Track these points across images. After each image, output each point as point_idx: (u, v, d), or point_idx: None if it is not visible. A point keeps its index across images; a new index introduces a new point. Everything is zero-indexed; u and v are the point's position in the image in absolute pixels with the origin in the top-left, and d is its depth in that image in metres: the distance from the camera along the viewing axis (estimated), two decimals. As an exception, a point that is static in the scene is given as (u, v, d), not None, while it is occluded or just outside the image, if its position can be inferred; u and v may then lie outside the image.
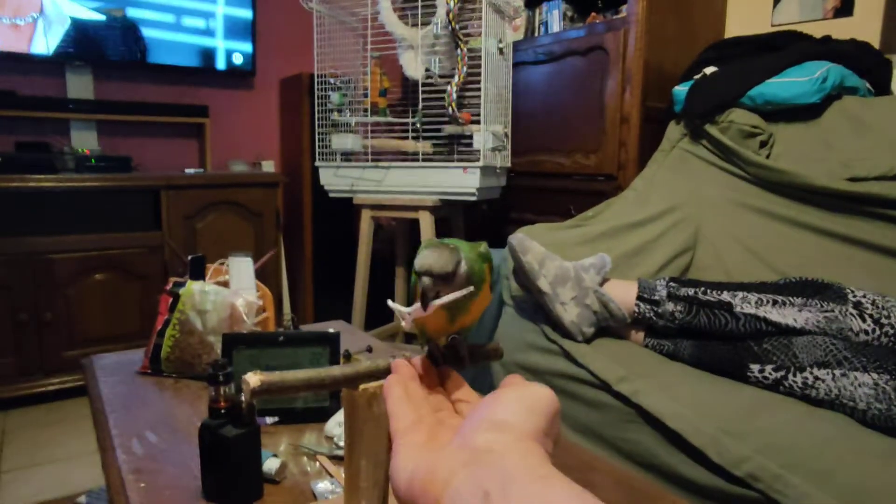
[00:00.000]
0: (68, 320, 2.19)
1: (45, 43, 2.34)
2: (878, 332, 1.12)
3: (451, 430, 0.38)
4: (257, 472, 0.73)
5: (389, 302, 0.49)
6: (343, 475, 0.76)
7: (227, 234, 2.52)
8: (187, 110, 2.70)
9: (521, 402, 0.34)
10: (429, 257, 0.47)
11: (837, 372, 1.05)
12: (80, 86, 2.52)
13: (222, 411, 0.71)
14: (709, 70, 1.85)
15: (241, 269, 1.20)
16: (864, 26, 2.01)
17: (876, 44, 1.92)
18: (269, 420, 0.93)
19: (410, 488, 0.33)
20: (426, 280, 0.46)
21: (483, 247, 0.52)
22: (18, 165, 2.12)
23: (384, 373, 0.57)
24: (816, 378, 1.06)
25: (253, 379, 0.49)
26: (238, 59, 2.79)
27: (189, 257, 1.20)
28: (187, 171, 2.54)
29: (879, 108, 1.61)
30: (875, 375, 1.01)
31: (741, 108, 1.75)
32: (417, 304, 0.47)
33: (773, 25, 2.24)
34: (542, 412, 0.33)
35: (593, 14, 2.41)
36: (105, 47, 2.47)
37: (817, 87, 1.64)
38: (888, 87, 1.84)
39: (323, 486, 0.74)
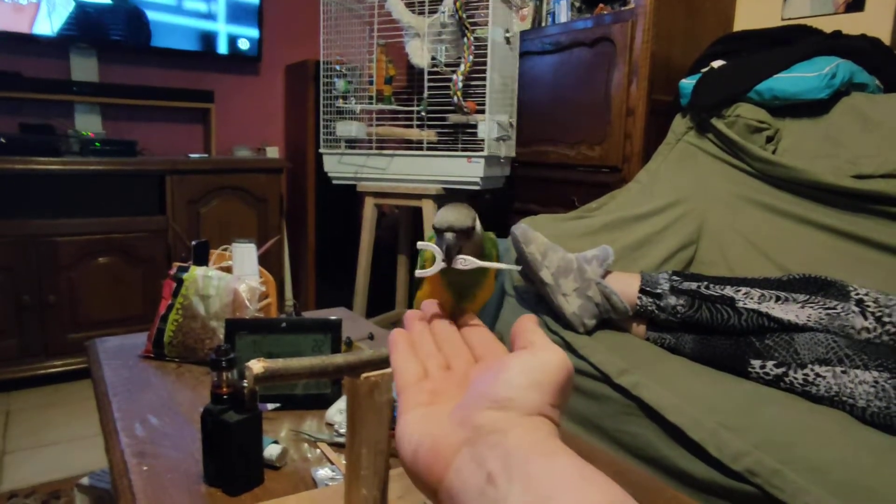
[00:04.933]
0: (71, 303, 2.20)
1: (48, 24, 2.33)
2: (879, 330, 1.12)
3: (460, 385, 0.37)
4: (258, 457, 0.73)
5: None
6: (343, 462, 0.76)
7: (231, 219, 2.52)
8: (192, 95, 2.69)
9: (528, 375, 0.32)
10: (449, 214, 0.48)
11: (838, 369, 1.05)
12: (84, 68, 2.52)
13: (224, 397, 0.72)
14: (716, 64, 1.84)
15: (245, 254, 1.20)
16: (876, 22, 1.99)
17: (887, 39, 1.90)
18: (270, 406, 0.94)
19: (415, 461, 0.32)
20: (449, 235, 0.47)
21: (492, 235, 0.52)
22: (22, 147, 2.12)
23: (385, 362, 0.57)
24: (817, 375, 1.07)
25: (256, 366, 0.49)
26: (244, 45, 2.78)
27: (193, 242, 1.21)
28: (192, 156, 2.54)
29: (888, 105, 1.60)
30: (875, 373, 1.01)
31: (748, 102, 1.74)
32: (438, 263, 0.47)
33: (783, 19, 2.22)
34: (551, 384, 0.32)
35: (601, 5, 2.39)
36: (110, 30, 2.46)
37: (826, 82, 1.63)
38: (898, 84, 1.82)
39: (323, 472, 0.74)
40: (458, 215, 0.47)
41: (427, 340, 0.41)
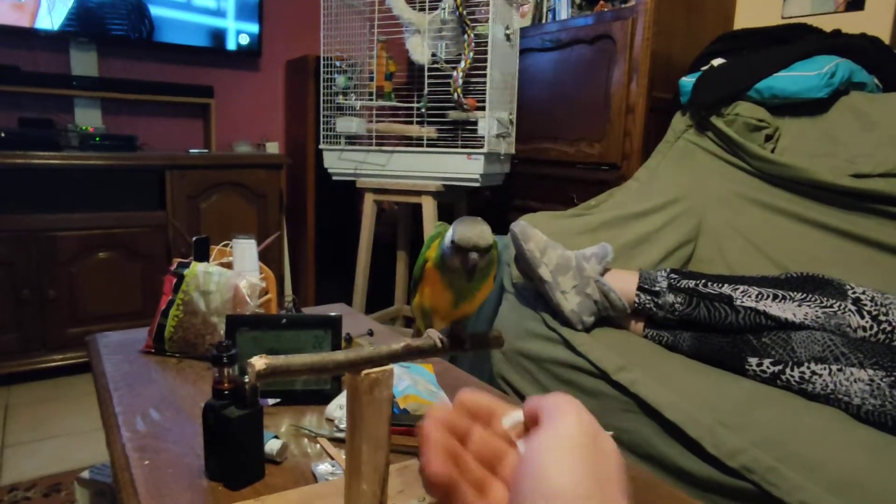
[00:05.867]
0: (71, 298, 2.21)
1: (49, 19, 2.33)
2: (875, 328, 1.13)
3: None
4: (259, 452, 0.74)
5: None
6: (343, 457, 0.77)
7: (231, 214, 2.52)
8: (192, 90, 2.69)
9: (575, 453, 0.28)
10: (473, 232, 0.48)
11: (834, 367, 1.06)
12: (84, 63, 2.51)
13: (226, 392, 0.72)
14: (716, 62, 1.84)
15: (245, 251, 1.20)
16: (876, 21, 1.99)
17: (886, 38, 1.91)
18: (270, 402, 0.94)
19: None
20: (474, 255, 0.48)
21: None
22: (22, 142, 2.13)
23: (386, 359, 0.58)
24: (813, 373, 1.07)
25: (259, 362, 0.50)
26: (244, 40, 2.78)
27: (193, 238, 1.21)
28: (192, 151, 2.54)
29: (887, 104, 1.61)
30: (871, 371, 1.02)
31: (748, 101, 1.74)
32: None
33: (783, 18, 2.22)
34: (611, 466, 0.29)
35: (602, 2, 2.39)
36: (110, 25, 2.46)
37: (825, 81, 1.63)
38: (897, 83, 1.83)
39: (323, 467, 0.75)
40: (481, 233, 0.48)
41: (463, 456, 0.35)
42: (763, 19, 2.24)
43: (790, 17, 2.20)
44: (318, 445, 0.83)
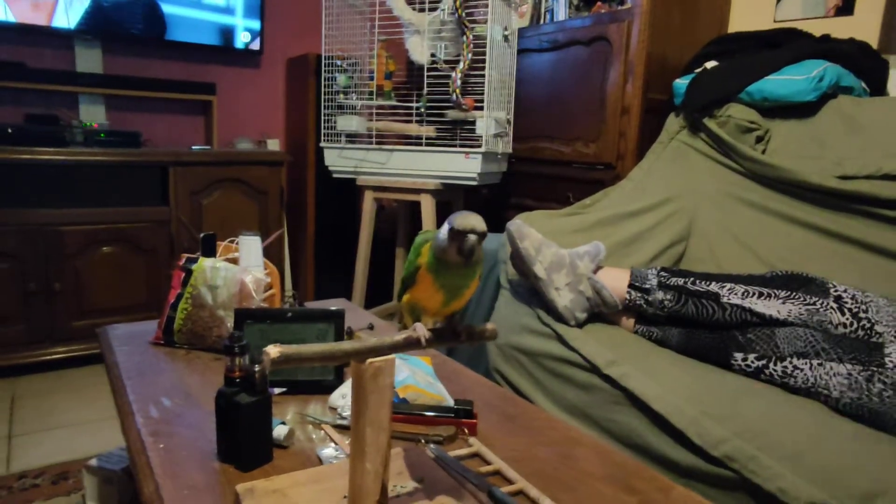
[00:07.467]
0: (76, 291, 2.25)
1: (65, 18, 2.37)
2: (855, 325, 1.17)
3: None
4: (268, 437, 0.79)
5: None
6: (346, 443, 0.82)
7: (232, 210, 2.56)
8: (195, 87, 2.72)
9: None
10: (471, 218, 0.55)
11: (815, 362, 1.11)
12: (89, 60, 2.55)
13: (237, 380, 0.77)
14: (709, 64, 1.89)
15: (251, 247, 1.25)
16: (864, 25, 2.04)
17: (875, 43, 1.95)
18: (277, 391, 0.99)
19: None
20: (472, 237, 0.54)
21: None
22: (28, 137, 2.16)
23: (389, 349, 0.63)
24: (795, 367, 1.12)
25: (273, 350, 0.55)
26: (246, 38, 2.81)
27: (201, 235, 1.26)
28: (194, 147, 2.58)
29: (872, 108, 1.65)
30: (849, 366, 1.07)
31: (739, 103, 1.79)
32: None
33: (775, 21, 2.26)
34: None
35: (599, 3, 2.43)
36: (115, 22, 2.50)
37: (813, 85, 1.68)
38: (884, 88, 1.87)
39: (328, 451, 0.80)
40: (479, 220, 0.54)
41: None
42: (756, 23, 2.28)
43: (782, 20, 2.24)
44: (323, 432, 0.87)
